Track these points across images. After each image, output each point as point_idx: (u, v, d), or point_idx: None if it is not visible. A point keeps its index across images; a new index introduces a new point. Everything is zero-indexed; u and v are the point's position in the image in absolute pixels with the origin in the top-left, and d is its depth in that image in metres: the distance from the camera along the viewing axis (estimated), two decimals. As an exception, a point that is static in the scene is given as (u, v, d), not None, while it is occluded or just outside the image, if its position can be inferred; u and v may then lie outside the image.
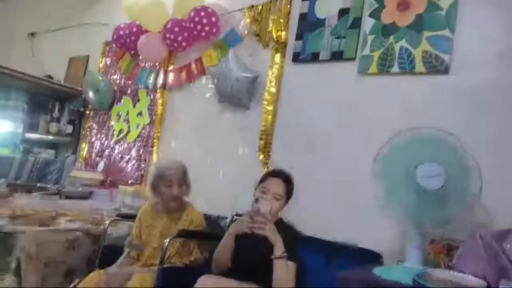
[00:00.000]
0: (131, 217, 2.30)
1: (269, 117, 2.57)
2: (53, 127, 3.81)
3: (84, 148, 3.74)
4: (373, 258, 1.91)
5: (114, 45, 3.52)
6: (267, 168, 2.52)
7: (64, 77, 4.12)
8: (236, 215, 2.35)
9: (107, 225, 2.25)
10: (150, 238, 2.09)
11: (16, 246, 2.00)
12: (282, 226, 1.80)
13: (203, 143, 2.89)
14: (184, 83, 3.10)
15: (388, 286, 1.48)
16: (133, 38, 3.19)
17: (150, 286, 1.79)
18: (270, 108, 2.58)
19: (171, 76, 3.18)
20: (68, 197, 2.89)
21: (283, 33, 2.60)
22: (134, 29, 3.17)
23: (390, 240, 1.97)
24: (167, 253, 1.92)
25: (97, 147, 3.63)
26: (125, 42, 3.26)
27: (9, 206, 2.31)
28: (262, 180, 1.91)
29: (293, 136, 2.47)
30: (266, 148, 2.56)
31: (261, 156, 2.57)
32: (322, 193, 2.23)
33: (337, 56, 2.34)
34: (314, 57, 2.45)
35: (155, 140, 3.17)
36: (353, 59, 2.27)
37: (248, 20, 2.80)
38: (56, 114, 3.87)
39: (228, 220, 2.36)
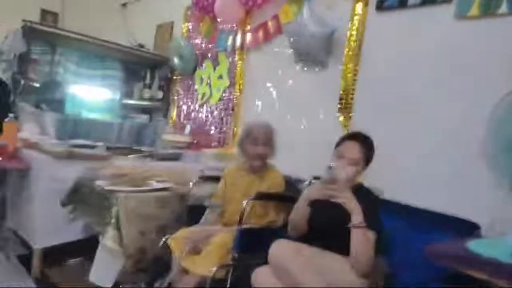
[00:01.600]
0: (213, 178, 2.40)
1: (349, 75, 2.40)
2: (146, 93, 4.10)
3: (173, 112, 3.97)
4: (469, 229, 1.71)
5: (194, 9, 3.57)
6: (348, 130, 2.38)
7: (153, 44, 4.34)
8: (314, 178, 2.30)
9: (191, 186, 2.38)
10: (233, 197, 2.15)
11: (116, 203, 2.23)
12: (361, 192, 1.70)
13: (282, 105, 2.84)
14: (262, 42, 3.03)
15: (484, 262, 1.31)
16: (210, 0, 3.18)
17: (229, 245, 1.86)
18: (350, 65, 2.39)
19: (248, 37, 3.13)
20: (160, 159, 3.11)
21: (365, -21, 2.33)
22: (212, -7, 3.15)
23: (491, 209, 1.73)
24: (246, 213, 1.96)
25: (184, 110, 3.81)
26: (204, 6, 3.27)
27: (109, 167, 2.57)
28: (338, 144, 1.80)
29: (377, 96, 2.28)
30: (346, 109, 2.42)
31: (341, 118, 2.43)
32: (408, 159, 2.04)
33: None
34: (402, 3, 2.16)
35: (234, 102, 3.20)
36: (449, 0, 1.95)
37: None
38: (148, 81, 4.14)
39: (306, 184, 2.32)
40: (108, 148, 3.00)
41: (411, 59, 2.12)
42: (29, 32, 3.20)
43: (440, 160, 1.92)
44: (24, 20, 3.18)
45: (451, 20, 1.95)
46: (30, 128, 3.10)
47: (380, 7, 2.27)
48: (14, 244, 2.77)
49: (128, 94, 4.10)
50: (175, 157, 3.22)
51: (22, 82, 3.18)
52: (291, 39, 2.63)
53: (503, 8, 1.75)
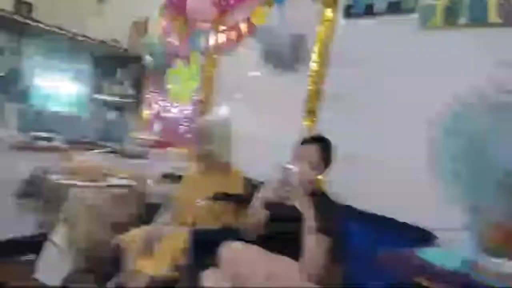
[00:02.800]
0: (175, 177, 2.35)
1: (317, 79, 2.39)
2: (117, 89, 4.01)
3: (145, 110, 3.89)
4: (426, 238, 1.73)
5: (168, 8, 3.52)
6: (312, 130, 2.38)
7: (128, 40, 4.26)
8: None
9: (151, 183, 2.33)
10: (190, 197, 2.08)
11: (69, 198, 2.15)
12: (319, 197, 1.68)
13: (250, 107, 2.81)
14: (233, 44, 3.01)
15: (429, 269, 1.31)
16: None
17: (182, 246, 1.81)
18: (317, 69, 2.39)
19: (221, 38, 3.10)
20: (125, 156, 3.04)
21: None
22: (185, -10, 3.11)
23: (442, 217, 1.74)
24: (201, 214, 1.92)
25: (156, 109, 3.75)
26: (176, 5, 3.23)
27: (68, 161, 2.48)
28: (296, 146, 1.79)
29: (343, 101, 2.27)
30: (312, 114, 2.41)
31: (307, 122, 2.42)
32: (371, 167, 2.03)
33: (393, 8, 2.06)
34: (368, 10, 2.18)
35: (202, 104, 3.16)
36: (413, 10, 1.97)
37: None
38: (119, 77, 4.05)
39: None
40: (71, 142, 2.92)
41: (377, 66, 2.13)
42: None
43: (398, 166, 1.92)
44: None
45: (415, 29, 1.96)
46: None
47: (348, 14, 2.28)
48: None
49: (99, 90, 4.00)
50: (141, 155, 3.15)
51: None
52: (260, 41, 2.61)
53: (463, 19, 1.78)
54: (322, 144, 1.73)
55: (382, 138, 2.03)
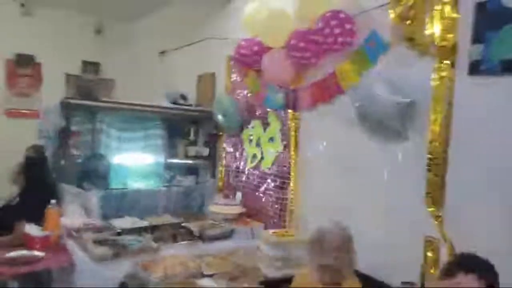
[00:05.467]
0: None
1: (438, 149, 1.91)
2: (191, 150, 3.83)
3: (221, 171, 3.65)
4: None
5: (236, 63, 3.25)
6: (440, 222, 1.90)
7: (196, 97, 4.09)
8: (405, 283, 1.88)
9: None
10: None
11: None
12: None
13: (347, 182, 2.40)
14: (317, 104, 2.62)
15: None
16: (255, 57, 2.84)
17: None
18: (436, 137, 1.92)
19: (301, 96, 2.74)
20: (210, 239, 2.79)
21: (451, 34, 1.87)
22: (256, 48, 2.81)
23: None
24: None
25: (233, 171, 3.48)
26: (245, 60, 2.94)
27: (158, 266, 2.27)
28: (446, 272, 1.35)
29: (477, 176, 1.79)
30: (436, 194, 1.93)
31: (431, 208, 1.95)
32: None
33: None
34: (506, 67, 1.68)
35: (291, 172, 2.81)
36: None
37: (394, 19, 2.12)
38: (192, 137, 3.87)
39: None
40: (154, 229, 2.74)
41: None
42: (67, 107, 3.04)
43: None
44: (64, 98, 3.02)
45: None
46: (73, 211, 2.90)
47: (474, 70, 1.79)
48: None
49: (173, 153, 3.86)
50: (226, 235, 2.88)
51: (63, 161, 3.01)
52: (356, 104, 2.20)
53: None
54: (484, 273, 1.28)
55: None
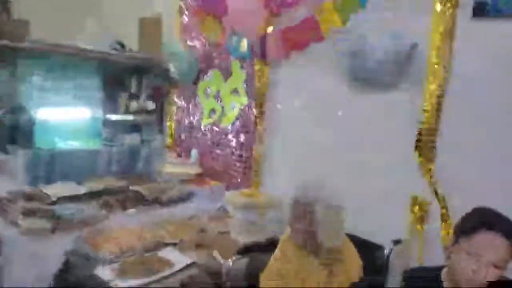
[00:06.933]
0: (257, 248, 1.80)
1: (433, 100, 1.78)
2: (133, 105, 3.33)
3: (170, 127, 3.25)
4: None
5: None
6: (430, 177, 1.80)
7: (138, 44, 3.52)
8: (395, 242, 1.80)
9: (229, 264, 1.77)
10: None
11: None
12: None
13: (325, 139, 2.19)
14: (292, 52, 2.34)
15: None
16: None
17: None
18: (433, 87, 1.77)
19: (271, 43, 2.42)
20: (167, 203, 2.45)
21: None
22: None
23: None
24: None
25: (185, 127, 3.11)
26: (207, 3, 2.53)
27: (108, 241, 1.90)
28: (465, 232, 1.21)
29: (471, 129, 1.69)
30: (427, 147, 1.82)
31: (420, 159, 1.84)
32: None
33: None
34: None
35: (258, 128, 2.54)
36: None
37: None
38: (134, 89, 3.36)
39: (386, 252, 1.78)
40: (97, 196, 2.32)
41: None
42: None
43: None
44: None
45: None
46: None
47: (479, 13, 1.64)
48: None
49: (112, 109, 3.32)
50: (185, 198, 2.57)
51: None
52: (341, 54, 1.97)
53: None
54: (509, 232, 1.17)
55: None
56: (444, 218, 1.78)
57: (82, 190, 2.42)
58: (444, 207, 1.77)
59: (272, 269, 1.52)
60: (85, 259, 1.82)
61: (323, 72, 2.16)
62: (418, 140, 1.84)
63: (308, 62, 2.25)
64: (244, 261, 1.85)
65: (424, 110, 1.79)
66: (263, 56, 2.46)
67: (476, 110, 1.67)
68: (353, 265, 1.57)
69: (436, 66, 1.74)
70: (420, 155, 1.84)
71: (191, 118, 3.05)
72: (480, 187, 1.60)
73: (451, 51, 1.72)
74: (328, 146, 2.16)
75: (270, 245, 1.75)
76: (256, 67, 2.51)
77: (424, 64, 1.77)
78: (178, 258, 1.87)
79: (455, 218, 1.35)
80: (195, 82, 2.98)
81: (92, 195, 2.39)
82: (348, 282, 1.53)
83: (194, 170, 2.79)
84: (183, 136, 3.12)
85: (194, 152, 2.91)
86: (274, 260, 1.54)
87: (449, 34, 1.72)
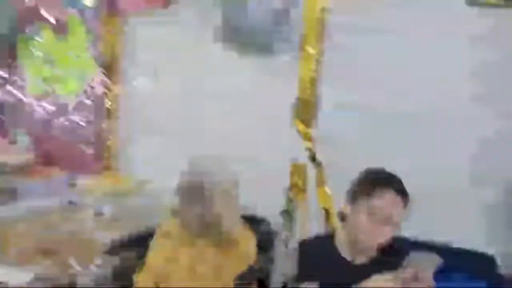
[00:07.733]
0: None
1: (311, 66, 1.72)
2: None
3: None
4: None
5: None
6: (311, 142, 1.76)
7: None
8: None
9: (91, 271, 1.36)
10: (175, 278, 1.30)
11: None
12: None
13: (195, 106, 1.93)
14: (148, 7, 1.94)
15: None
16: None
17: None
18: (312, 51, 1.71)
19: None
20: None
21: None
22: None
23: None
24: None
25: (4, 104, 2.36)
26: None
27: None
28: (363, 191, 1.16)
29: (348, 92, 1.70)
30: (307, 113, 1.76)
31: (300, 126, 1.77)
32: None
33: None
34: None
35: (109, 101, 2.07)
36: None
37: None
38: None
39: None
40: None
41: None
42: None
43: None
44: None
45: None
46: None
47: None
48: None
49: None
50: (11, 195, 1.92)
51: None
52: (212, 11, 1.73)
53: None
54: (401, 188, 1.18)
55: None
56: (320, 183, 1.77)
57: None
58: (320, 172, 1.74)
59: (151, 266, 1.31)
60: None
61: (191, 32, 1.87)
62: (296, 105, 1.77)
63: (172, 19, 1.91)
64: (110, 262, 1.46)
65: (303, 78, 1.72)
66: (113, 8, 1.99)
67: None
68: (248, 247, 1.39)
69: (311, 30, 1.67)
70: (299, 121, 1.77)
71: (11, 89, 2.31)
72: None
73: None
74: (202, 119, 1.91)
75: (142, 239, 1.44)
76: (106, 23, 2.02)
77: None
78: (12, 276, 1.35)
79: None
80: (12, 39, 2.25)
81: None
82: (243, 265, 1.37)
83: (24, 157, 2.12)
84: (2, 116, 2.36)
85: (22, 135, 2.22)
86: (153, 255, 1.33)
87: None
